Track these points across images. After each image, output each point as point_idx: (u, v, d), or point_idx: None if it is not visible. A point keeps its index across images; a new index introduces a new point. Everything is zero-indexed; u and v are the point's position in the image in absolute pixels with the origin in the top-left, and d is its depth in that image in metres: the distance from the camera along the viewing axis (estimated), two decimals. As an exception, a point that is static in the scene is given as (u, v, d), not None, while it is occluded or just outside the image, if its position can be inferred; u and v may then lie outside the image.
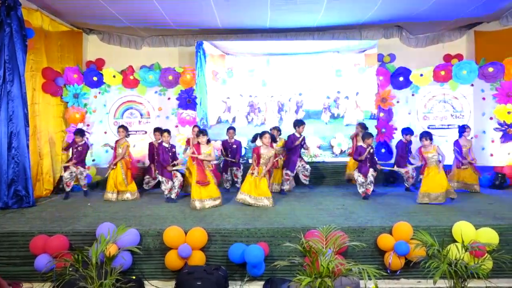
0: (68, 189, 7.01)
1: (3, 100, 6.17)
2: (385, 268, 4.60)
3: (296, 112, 8.77)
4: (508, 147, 7.78)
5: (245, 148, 8.26)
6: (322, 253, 3.47)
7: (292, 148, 7.18)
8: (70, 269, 3.78)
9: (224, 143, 7.48)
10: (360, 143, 7.04)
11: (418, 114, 8.48)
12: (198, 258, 4.62)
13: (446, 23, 8.66)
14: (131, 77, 8.40)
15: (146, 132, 8.51)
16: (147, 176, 7.70)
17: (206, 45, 8.77)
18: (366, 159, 6.58)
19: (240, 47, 8.88)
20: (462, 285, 3.61)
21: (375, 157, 6.81)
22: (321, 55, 8.74)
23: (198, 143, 6.16)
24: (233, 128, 7.55)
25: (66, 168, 7.04)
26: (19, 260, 4.76)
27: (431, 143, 6.24)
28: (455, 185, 7.05)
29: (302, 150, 7.43)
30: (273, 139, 6.47)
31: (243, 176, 7.46)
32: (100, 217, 5.55)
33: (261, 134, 6.32)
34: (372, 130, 8.26)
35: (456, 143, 7.11)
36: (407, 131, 7.34)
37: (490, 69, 7.89)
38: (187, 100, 8.39)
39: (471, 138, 7.54)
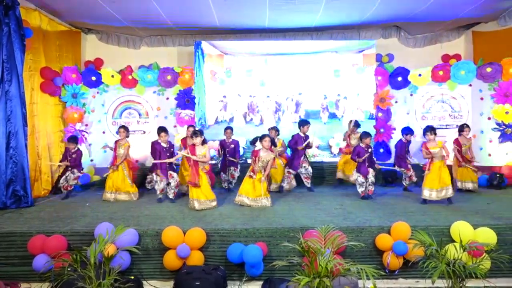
0: (65, 192, 7.00)
1: (1, 99, 6.15)
2: (384, 268, 4.61)
3: (296, 111, 8.77)
4: (506, 147, 7.81)
5: (243, 148, 8.26)
6: (321, 253, 3.47)
7: (296, 148, 7.21)
8: (69, 269, 3.79)
9: (222, 143, 7.48)
10: (353, 141, 7.05)
11: (416, 114, 8.50)
12: (196, 258, 4.62)
13: (444, 23, 8.68)
14: (130, 77, 8.40)
15: (144, 132, 8.51)
16: (150, 176, 7.68)
17: (205, 45, 8.76)
18: (365, 159, 6.59)
19: (238, 47, 8.89)
20: (460, 285, 3.62)
21: (373, 157, 6.82)
22: (319, 55, 8.75)
23: (193, 144, 6.12)
24: (231, 128, 7.55)
25: (64, 172, 7.04)
26: (17, 260, 4.75)
27: (435, 137, 6.22)
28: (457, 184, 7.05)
29: (307, 150, 7.40)
30: (273, 143, 6.44)
31: (240, 177, 7.50)
32: (99, 217, 5.54)
33: (261, 137, 6.27)
34: (371, 130, 8.29)
35: (456, 141, 7.12)
36: (407, 130, 7.34)
37: (488, 69, 7.91)
38: (186, 100, 8.38)
39: (471, 137, 7.57)
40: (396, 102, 8.54)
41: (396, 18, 8.41)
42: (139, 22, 8.29)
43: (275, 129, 7.42)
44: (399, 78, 8.37)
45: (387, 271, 4.62)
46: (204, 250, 4.73)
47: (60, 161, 7.09)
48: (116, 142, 7.04)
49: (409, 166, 7.32)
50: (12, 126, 6.22)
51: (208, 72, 8.75)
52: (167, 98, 8.54)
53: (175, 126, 8.42)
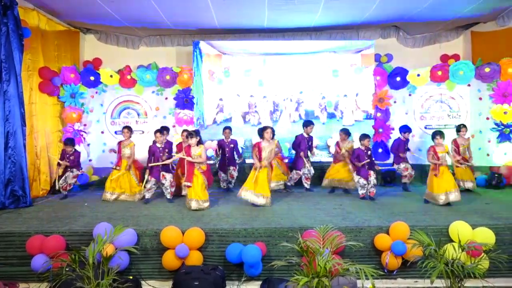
0: (65, 193, 6.99)
1: (-1, 99, 6.15)
2: (382, 268, 4.61)
3: (297, 110, 8.77)
4: (505, 147, 7.82)
5: (241, 147, 8.26)
6: (320, 253, 3.48)
7: (299, 149, 7.24)
8: (67, 269, 3.78)
9: (221, 143, 7.47)
10: (344, 149, 7.08)
11: (415, 114, 8.50)
12: (195, 258, 4.62)
13: (443, 24, 8.69)
14: (128, 77, 8.38)
15: (143, 132, 8.50)
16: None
17: (203, 44, 8.75)
18: (364, 161, 6.59)
19: (236, 46, 8.87)
20: (459, 285, 3.62)
21: (373, 158, 6.82)
22: (318, 55, 8.74)
23: (189, 145, 6.10)
24: (230, 128, 7.56)
25: (63, 173, 7.03)
26: (15, 260, 4.74)
27: (443, 141, 6.24)
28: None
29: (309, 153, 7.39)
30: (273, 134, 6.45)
31: (238, 177, 7.52)
32: (97, 217, 5.54)
33: (263, 129, 6.31)
34: (369, 130, 8.30)
35: (453, 142, 7.13)
36: (405, 128, 7.36)
37: (487, 69, 7.92)
38: (185, 100, 8.38)
39: (469, 137, 7.60)
40: (394, 102, 8.55)
41: (395, 18, 8.41)
42: (138, 22, 8.28)
43: (271, 129, 7.45)
44: (398, 78, 8.38)
45: (385, 271, 4.63)
46: (203, 250, 4.73)
47: (60, 159, 7.08)
48: (119, 142, 7.02)
49: (407, 166, 7.32)
50: (11, 126, 6.21)
51: (206, 72, 8.74)
52: (166, 98, 8.54)
53: (174, 126, 8.41)
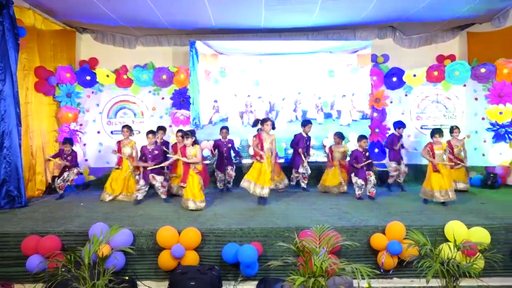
0: (61, 192, 6.97)
1: (-6, 99, 6.12)
2: (378, 268, 4.62)
3: (294, 110, 8.78)
4: (500, 147, 7.85)
5: (238, 148, 8.25)
6: (316, 253, 3.48)
7: (297, 147, 7.27)
8: (63, 269, 3.76)
9: (218, 143, 7.46)
10: (337, 154, 7.12)
11: (411, 114, 8.53)
12: (191, 258, 4.61)
13: (439, 24, 8.72)
14: (125, 77, 8.36)
15: (140, 132, 8.46)
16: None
17: (199, 44, 8.74)
18: (363, 162, 6.62)
19: (233, 46, 8.86)
20: (454, 284, 3.64)
21: (371, 159, 6.83)
22: (314, 55, 8.74)
23: (185, 145, 6.08)
24: (227, 128, 7.56)
25: (61, 173, 7.03)
26: (10, 261, 4.72)
27: (441, 140, 6.28)
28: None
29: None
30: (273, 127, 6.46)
31: (235, 177, 7.52)
32: (93, 217, 5.52)
33: (263, 121, 6.31)
34: (366, 130, 8.32)
35: (447, 143, 7.15)
36: (399, 124, 7.39)
37: (482, 70, 7.95)
38: (181, 100, 8.36)
39: (464, 138, 7.64)
40: (391, 102, 8.57)
41: (391, 18, 8.44)
42: (134, 21, 8.26)
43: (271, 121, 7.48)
44: (394, 79, 8.40)
45: (382, 270, 4.64)
46: (199, 250, 4.73)
47: (53, 156, 7.09)
48: (119, 142, 6.97)
49: (397, 167, 7.31)
50: (6, 126, 6.18)
51: (202, 71, 8.73)
52: (163, 98, 8.52)
53: (170, 126, 8.39)
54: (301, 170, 7.36)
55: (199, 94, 8.69)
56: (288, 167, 7.73)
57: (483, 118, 8.07)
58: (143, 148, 6.67)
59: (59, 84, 8.06)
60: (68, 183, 7.04)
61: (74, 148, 7.42)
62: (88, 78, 8.27)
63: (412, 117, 8.50)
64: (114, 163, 7.15)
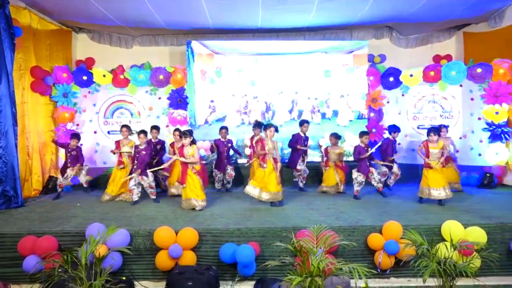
0: (59, 190, 6.96)
1: (-10, 99, 6.09)
2: (375, 267, 4.63)
3: (291, 110, 8.78)
4: (496, 147, 7.88)
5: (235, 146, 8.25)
6: (313, 253, 3.49)
7: (294, 147, 7.29)
8: (59, 270, 3.75)
9: (218, 142, 7.43)
10: (333, 155, 7.14)
11: (408, 114, 8.55)
12: (189, 258, 4.61)
13: (436, 24, 8.75)
14: (121, 77, 8.34)
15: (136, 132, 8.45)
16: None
17: (194, 44, 8.73)
18: (365, 159, 6.64)
19: (229, 46, 8.87)
20: (451, 284, 3.65)
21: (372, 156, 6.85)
22: (310, 55, 8.77)
23: (183, 145, 6.07)
24: (226, 128, 7.57)
25: (62, 173, 7.02)
26: (7, 261, 4.70)
27: (438, 139, 6.31)
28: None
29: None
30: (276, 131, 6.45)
31: (235, 176, 7.53)
32: (90, 217, 5.50)
33: (266, 127, 6.31)
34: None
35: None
36: (394, 128, 7.38)
37: (479, 70, 7.98)
38: (178, 100, 8.35)
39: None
40: (388, 102, 8.59)
41: (388, 18, 8.46)
42: (131, 21, 8.24)
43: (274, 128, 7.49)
44: (391, 79, 8.43)
45: (379, 270, 4.65)
46: (196, 250, 4.72)
47: (54, 142, 7.44)
48: (117, 142, 6.96)
49: (387, 171, 7.30)
50: (2, 126, 6.15)
51: (198, 71, 8.72)
52: (159, 98, 8.50)
53: (167, 126, 8.39)
54: (299, 167, 7.36)
55: (194, 94, 8.68)
56: (286, 167, 7.70)
57: (479, 118, 8.10)
58: (135, 148, 6.64)
59: (55, 84, 8.04)
60: (85, 184, 7.12)
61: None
62: (84, 78, 8.25)
63: (408, 117, 8.53)
64: (111, 163, 7.14)
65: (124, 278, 4.39)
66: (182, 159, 5.95)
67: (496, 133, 7.88)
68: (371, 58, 8.91)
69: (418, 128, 8.45)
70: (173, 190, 7.05)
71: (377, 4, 7.30)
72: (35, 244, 4.51)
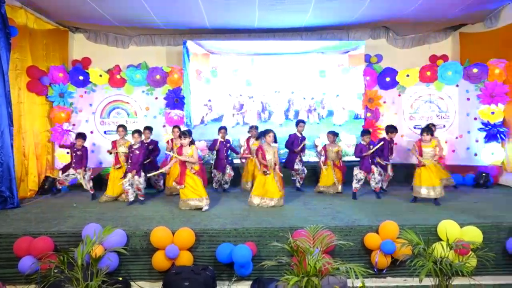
0: (59, 187, 6.94)
1: (-14, 99, 6.05)
2: (372, 267, 4.65)
3: (287, 110, 8.79)
4: (492, 147, 7.91)
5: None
6: (310, 253, 3.49)
7: (291, 147, 7.29)
8: (55, 270, 3.74)
9: (217, 142, 7.40)
10: (331, 153, 7.15)
11: (404, 114, 8.56)
12: (185, 259, 4.60)
13: (432, 25, 8.78)
14: (118, 76, 8.31)
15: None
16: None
17: (190, 43, 8.71)
18: (367, 157, 6.65)
19: (224, 46, 8.85)
20: (447, 283, 3.66)
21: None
22: (305, 55, 8.76)
23: (182, 145, 6.05)
24: (225, 128, 7.54)
25: (64, 170, 7.00)
26: (2, 262, 4.68)
27: (431, 138, 6.33)
28: None
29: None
30: (275, 139, 6.46)
31: (234, 176, 7.53)
32: (86, 218, 5.49)
33: (265, 132, 6.32)
34: (358, 130, 8.33)
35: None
36: (391, 128, 7.39)
37: (475, 70, 8.00)
38: (175, 100, 8.33)
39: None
40: (384, 102, 8.61)
41: (385, 19, 8.48)
42: (128, 21, 8.21)
43: (255, 128, 7.54)
44: (387, 79, 8.44)
45: (375, 270, 4.66)
46: (193, 250, 4.72)
47: (61, 147, 7.42)
48: (114, 142, 6.93)
49: (380, 171, 7.29)
50: (-2, 126, 6.12)
51: (194, 71, 8.71)
52: (156, 98, 8.47)
53: (164, 126, 8.37)
54: (296, 166, 7.35)
55: (190, 94, 8.67)
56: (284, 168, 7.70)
57: (475, 118, 8.13)
58: (129, 147, 6.62)
59: (51, 84, 8.00)
60: (90, 191, 7.00)
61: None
62: (81, 78, 8.21)
63: (405, 117, 8.55)
64: (108, 163, 7.11)
65: (120, 278, 4.39)
66: (183, 158, 5.92)
67: (492, 133, 7.91)
68: (367, 58, 8.92)
69: (414, 128, 8.46)
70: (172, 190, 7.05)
71: (373, 4, 7.32)
72: (31, 244, 4.49)
